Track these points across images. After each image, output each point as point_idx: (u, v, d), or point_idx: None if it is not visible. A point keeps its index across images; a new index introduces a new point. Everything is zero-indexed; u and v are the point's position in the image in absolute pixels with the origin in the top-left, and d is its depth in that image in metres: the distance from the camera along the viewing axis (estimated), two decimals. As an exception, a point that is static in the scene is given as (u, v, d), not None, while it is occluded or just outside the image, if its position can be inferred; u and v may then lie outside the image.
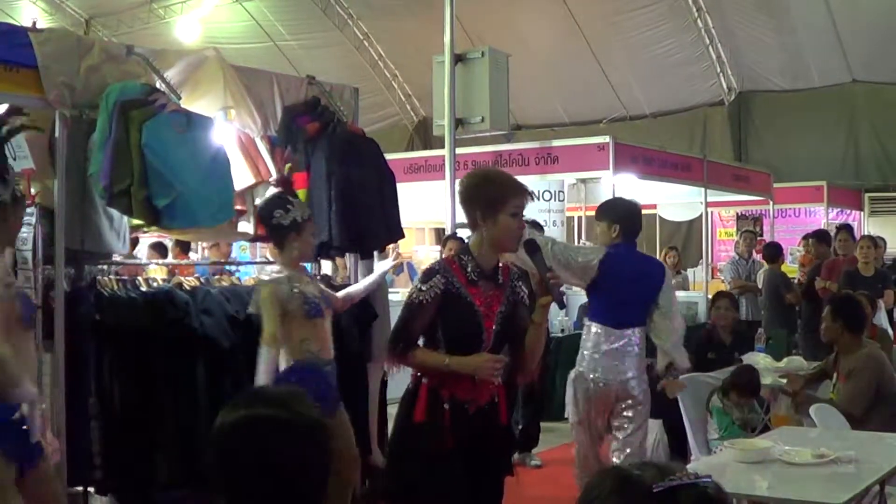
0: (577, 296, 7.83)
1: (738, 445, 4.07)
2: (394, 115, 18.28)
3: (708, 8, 14.63)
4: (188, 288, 4.73)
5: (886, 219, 14.07)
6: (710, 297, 10.51)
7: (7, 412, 2.14)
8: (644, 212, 13.55)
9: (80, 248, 4.43)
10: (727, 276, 10.65)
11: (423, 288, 3.28)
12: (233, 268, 5.76)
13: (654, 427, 6.22)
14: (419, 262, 11.89)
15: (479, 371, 3.27)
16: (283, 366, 4.16)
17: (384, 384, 5.41)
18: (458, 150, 8.60)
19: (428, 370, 3.31)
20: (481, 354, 3.29)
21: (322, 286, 4.63)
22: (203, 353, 4.55)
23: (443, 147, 8.50)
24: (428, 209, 10.31)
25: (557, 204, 9.95)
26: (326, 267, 5.76)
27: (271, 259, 4.97)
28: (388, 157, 5.64)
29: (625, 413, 4.73)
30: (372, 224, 5.23)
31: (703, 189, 10.88)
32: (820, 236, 9.88)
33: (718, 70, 15.47)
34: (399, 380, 3.60)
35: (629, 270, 4.77)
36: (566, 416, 4.95)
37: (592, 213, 6.45)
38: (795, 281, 10.08)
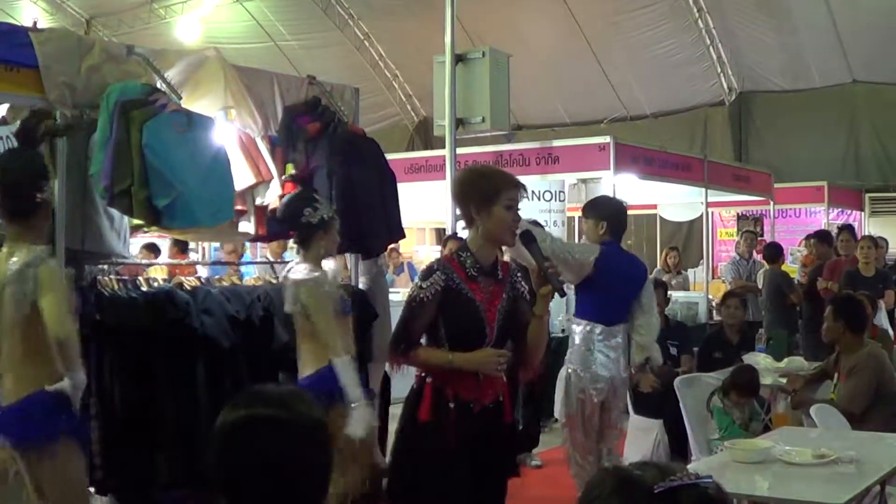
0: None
1: (738, 445, 4.07)
2: (394, 115, 18.27)
3: (708, 8, 14.63)
4: (189, 288, 4.73)
5: (887, 219, 14.05)
6: (710, 297, 10.57)
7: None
8: (645, 212, 13.78)
9: (81, 248, 4.42)
10: (728, 277, 10.65)
11: (424, 285, 3.28)
12: (242, 268, 5.77)
13: (655, 427, 6.23)
14: (420, 263, 11.89)
15: (483, 366, 3.26)
16: (316, 365, 4.12)
17: (388, 383, 5.40)
18: (459, 150, 8.59)
19: (431, 368, 3.31)
20: (484, 350, 3.29)
21: None
22: (203, 353, 4.54)
23: (443, 147, 8.50)
24: (428, 209, 10.30)
25: (558, 204, 9.93)
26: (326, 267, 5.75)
27: (271, 259, 4.96)
28: (388, 157, 5.63)
29: (616, 409, 4.90)
30: (373, 224, 5.23)
31: (703, 189, 10.86)
32: (822, 237, 9.87)
33: (719, 70, 15.46)
34: (404, 380, 3.59)
35: (621, 269, 4.84)
36: (555, 415, 5.02)
37: (593, 213, 6.44)
38: (796, 281, 10.07)
